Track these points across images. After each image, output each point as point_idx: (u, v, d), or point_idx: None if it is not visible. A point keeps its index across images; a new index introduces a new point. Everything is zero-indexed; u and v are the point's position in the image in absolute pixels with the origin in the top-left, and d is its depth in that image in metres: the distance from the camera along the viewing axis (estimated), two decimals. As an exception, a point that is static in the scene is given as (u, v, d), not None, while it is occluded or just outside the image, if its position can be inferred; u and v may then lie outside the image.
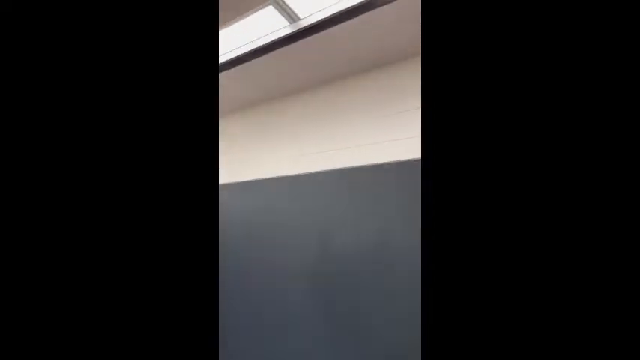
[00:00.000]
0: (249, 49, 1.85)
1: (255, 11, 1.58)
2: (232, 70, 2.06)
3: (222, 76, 2.17)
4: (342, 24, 1.58)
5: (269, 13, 1.59)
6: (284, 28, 1.70)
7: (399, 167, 1.76)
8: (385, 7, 1.46)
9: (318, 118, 2.25)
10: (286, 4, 1.54)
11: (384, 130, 1.94)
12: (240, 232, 2.37)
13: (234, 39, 1.81)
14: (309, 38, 1.69)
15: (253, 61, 1.96)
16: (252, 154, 2.59)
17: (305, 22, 1.63)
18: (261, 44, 1.80)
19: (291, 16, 1.60)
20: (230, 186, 2.57)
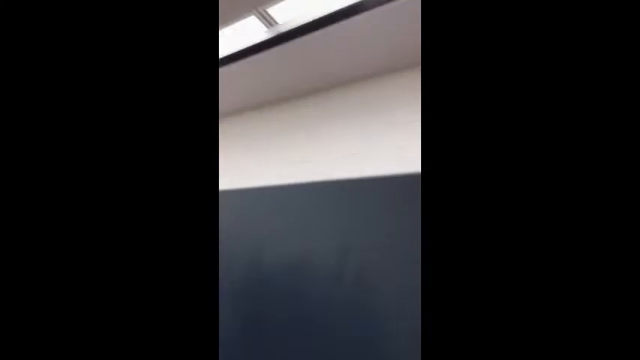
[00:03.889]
0: (230, 52, 1.92)
1: (237, 20, 1.66)
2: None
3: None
4: (326, 33, 1.68)
5: (250, 23, 1.68)
6: (264, 33, 1.78)
7: (387, 181, 1.80)
8: (373, 14, 1.58)
9: (301, 128, 2.34)
10: (267, 13, 1.63)
11: (371, 142, 2.00)
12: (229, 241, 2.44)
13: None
14: (291, 47, 1.79)
15: (235, 69, 2.03)
16: (234, 163, 2.67)
17: (284, 28, 1.73)
18: (241, 48, 1.88)
19: (270, 22, 1.69)
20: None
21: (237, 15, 1.61)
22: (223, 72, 2.09)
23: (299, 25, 1.68)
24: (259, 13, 1.60)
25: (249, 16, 1.61)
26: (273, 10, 1.61)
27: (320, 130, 2.23)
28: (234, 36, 1.81)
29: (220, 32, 1.75)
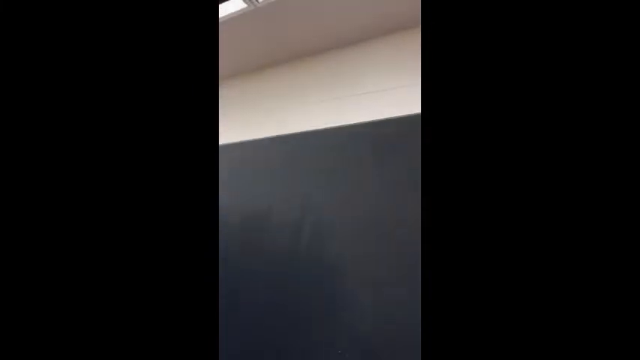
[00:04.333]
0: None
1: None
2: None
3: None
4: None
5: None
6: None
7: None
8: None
9: (278, 96, 2.35)
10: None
11: (352, 112, 1.99)
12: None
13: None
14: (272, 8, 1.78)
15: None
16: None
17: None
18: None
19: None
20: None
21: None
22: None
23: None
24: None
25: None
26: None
27: (303, 98, 2.26)
28: None
29: None
